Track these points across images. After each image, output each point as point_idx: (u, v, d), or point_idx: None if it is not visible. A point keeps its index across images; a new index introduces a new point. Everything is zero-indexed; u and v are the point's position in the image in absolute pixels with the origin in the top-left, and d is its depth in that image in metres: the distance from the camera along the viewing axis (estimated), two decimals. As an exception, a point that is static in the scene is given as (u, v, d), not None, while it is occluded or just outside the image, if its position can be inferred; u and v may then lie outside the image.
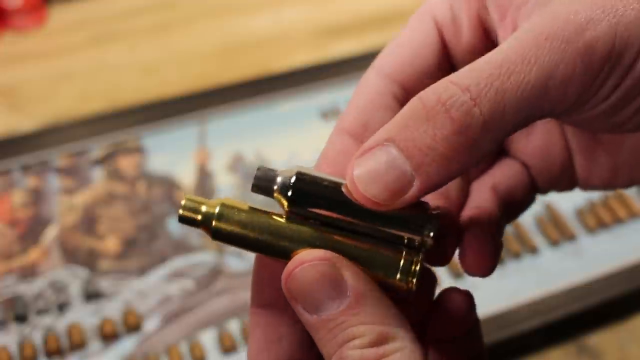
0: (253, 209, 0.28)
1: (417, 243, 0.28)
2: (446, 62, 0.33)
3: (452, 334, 0.31)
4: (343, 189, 0.27)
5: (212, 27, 0.89)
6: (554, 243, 0.64)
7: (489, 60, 0.26)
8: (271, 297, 0.29)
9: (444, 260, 0.31)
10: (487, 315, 0.58)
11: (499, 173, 0.34)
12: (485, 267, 0.31)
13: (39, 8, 0.88)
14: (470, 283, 0.64)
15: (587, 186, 0.34)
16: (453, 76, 0.26)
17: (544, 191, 0.35)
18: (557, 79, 0.25)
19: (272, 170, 0.29)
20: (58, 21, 0.89)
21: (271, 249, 0.28)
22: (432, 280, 0.31)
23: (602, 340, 0.60)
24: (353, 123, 0.31)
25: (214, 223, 0.28)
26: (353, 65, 0.78)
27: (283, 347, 0.30)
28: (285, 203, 0.28)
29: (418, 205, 0.28)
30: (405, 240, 0.28)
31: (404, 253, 0.28)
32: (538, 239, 0.64)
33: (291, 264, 0.27)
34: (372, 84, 0.32)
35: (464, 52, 0.32)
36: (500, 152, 0.35)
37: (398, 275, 0.28)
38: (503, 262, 0.63)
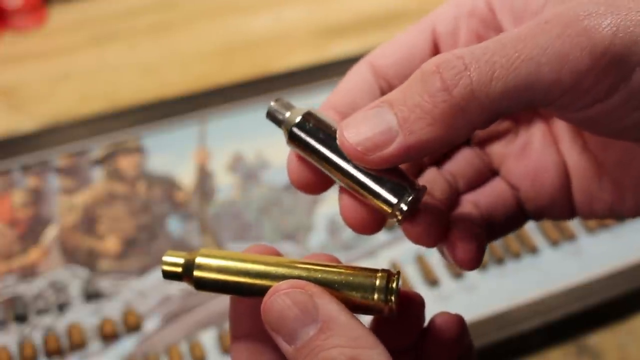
0: (230, 255, 0.30)
1: (390, 211, 0.29)
2: None
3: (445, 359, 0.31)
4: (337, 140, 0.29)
5: (212, 27, 0.89)
6: (554, 243, 0.64)
7: (491, 39, 0.27)
8: (250, 328, 0.30)
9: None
10: (487, 315, 0.58)
11: (484, 190, 0.34)
12: (470, 260, 0.31)
13: (39, 8, 0.88)
14: (470, 283, 0.64)
15: (589, 214, 0.34)
16: (455, 50, 0.27)
17: (536, 217, 0.35)
18: (550, 55, 0.26)
19: (287, 104, 0.31)
20: (58, 21, 0.89)
21: (252, 289, 0.29)
22: (419, 303, 0.31)
23: (602, 340, 0.60)
24: (341, 101, 0.33)
25: (195, 273, 0.29)
26: (353, 65, 0.78)
27: None
28: (286, 138, 0.30)
29: (405, 178, 0.29)
30: (383, 205, 0.29)
31: (379, 273, 0.28)
32: (538, 239, 0.64)
33: (267, 295, 0.28)
34: (362, 73, 0.34)
35: None
36: (493, 172, 0.35)
37: (376, 295, 0.28)
38: (503, 262, 0.63)
